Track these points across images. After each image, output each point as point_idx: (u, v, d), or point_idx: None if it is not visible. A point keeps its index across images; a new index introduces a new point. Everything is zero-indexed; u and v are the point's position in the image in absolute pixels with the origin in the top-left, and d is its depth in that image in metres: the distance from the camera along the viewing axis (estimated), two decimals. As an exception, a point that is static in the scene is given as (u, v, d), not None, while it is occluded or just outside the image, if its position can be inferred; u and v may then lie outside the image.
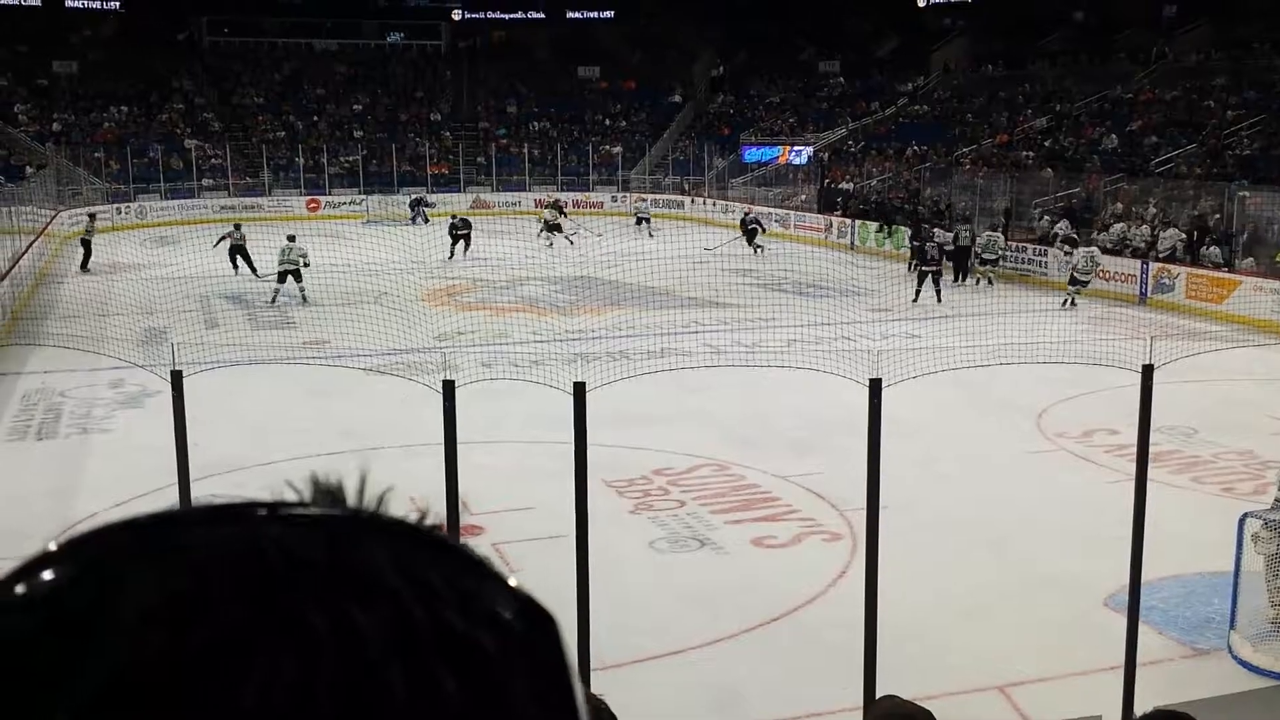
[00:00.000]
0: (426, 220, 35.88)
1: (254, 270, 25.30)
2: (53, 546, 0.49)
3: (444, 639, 0.44)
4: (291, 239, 23.50)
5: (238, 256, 25.84)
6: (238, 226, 26.85)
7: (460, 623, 0.45)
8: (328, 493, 0.52)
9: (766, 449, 12.59)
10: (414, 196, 38.90)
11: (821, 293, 23.45)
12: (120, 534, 0.48)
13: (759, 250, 30.14)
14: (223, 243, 25.81)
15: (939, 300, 22.09)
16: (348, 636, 0.43)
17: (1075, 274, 22.80)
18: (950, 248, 24.94)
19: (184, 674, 0.42)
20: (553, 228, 32.09)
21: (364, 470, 0.54)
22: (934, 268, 22.87)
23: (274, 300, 22.74)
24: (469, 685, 0.43)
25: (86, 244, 27.70)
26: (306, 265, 22.90)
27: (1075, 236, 24.63)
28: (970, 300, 19.49)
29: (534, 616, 0.47)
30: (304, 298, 22.65)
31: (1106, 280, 23.53)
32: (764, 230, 31.67)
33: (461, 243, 29.26)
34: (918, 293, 22.59)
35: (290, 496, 0.52)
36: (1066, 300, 22.20)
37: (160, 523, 0.48)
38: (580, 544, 5.74)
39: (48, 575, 0.47)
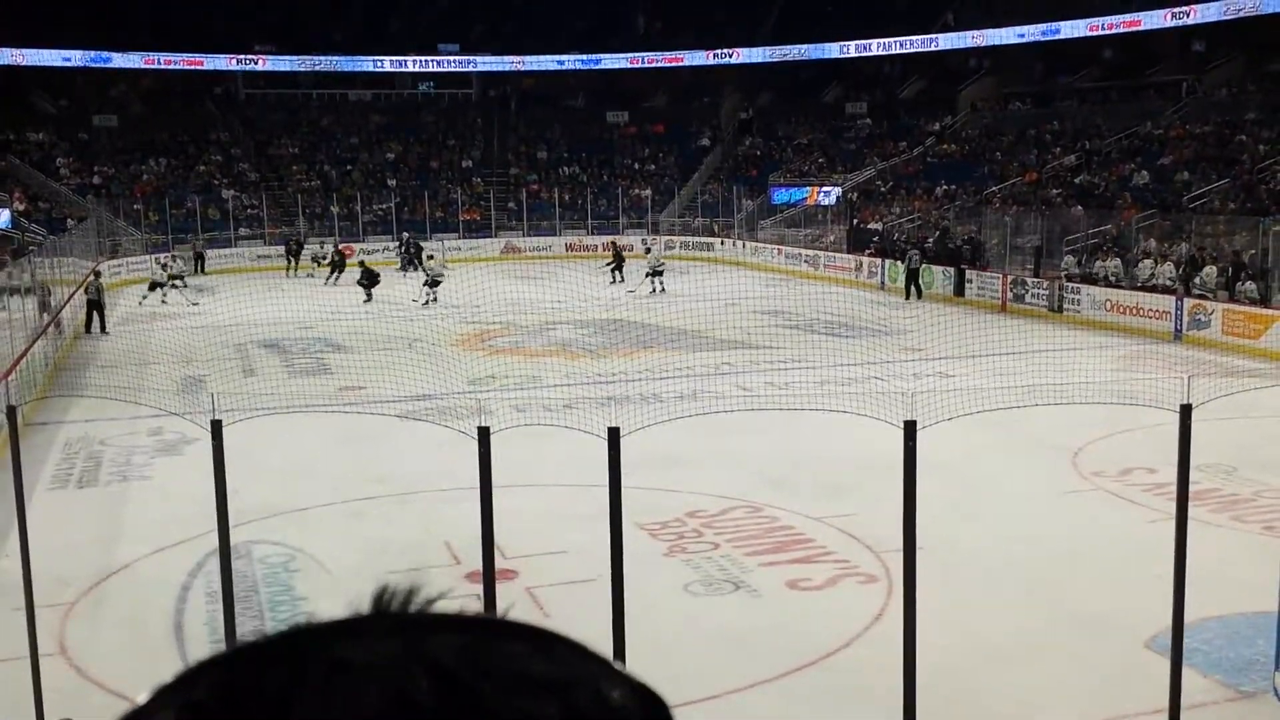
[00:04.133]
0: (417, 268, 35.95)
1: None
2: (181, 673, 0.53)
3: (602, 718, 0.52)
4: (430, 256, 30.88)
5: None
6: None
7: (602, 706, 0.53)
8: (396, 602, 0.59)
9: (800, 490, 12.55)
10: (405, 242, 38.78)
11: (852, 333, 23.41)
12: (265, 655, 0.53)
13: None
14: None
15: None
16: None
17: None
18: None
19: None
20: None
21: (415, 583, 0.59)
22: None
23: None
24: None
25: (97, 305, 25.91)
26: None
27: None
28: (1004, 339, 19.41)
29: (649, 697, 0.55)
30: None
31: (1140, 317, 23.38)
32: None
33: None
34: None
35: (363, 608, 0.57)
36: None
37: (302, 639, 0.53)
38: (616, 589, 5.75)
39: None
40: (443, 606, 0.59)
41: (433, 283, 29.43)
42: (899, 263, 31.08)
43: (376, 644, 0.52)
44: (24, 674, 7.08)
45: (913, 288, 29.66)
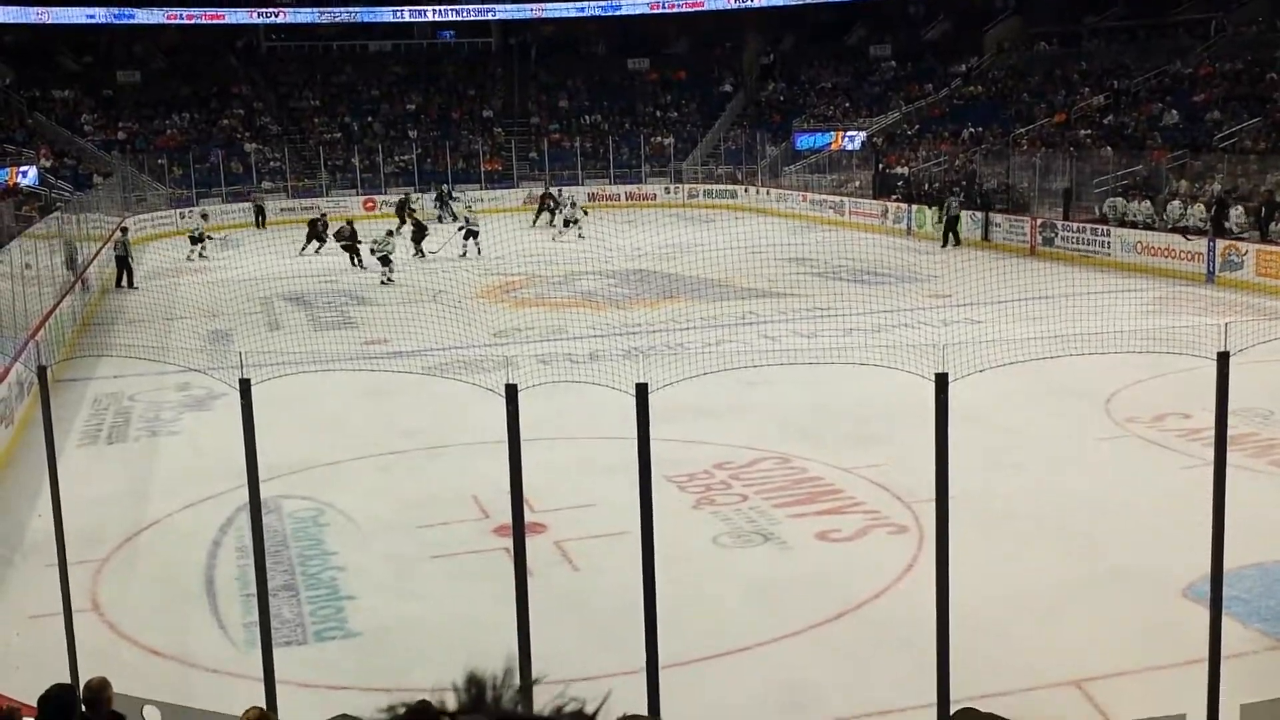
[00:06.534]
0: (455, 217, 35.24)
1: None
2: None
3: None
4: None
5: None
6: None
7: None
8: (483, 692, 0.57)
9: (828, 441, 12.47)
10: (439, 192, 38.90)
11: (879, 280, 23.22)
12: None
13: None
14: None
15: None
16: None
17: None
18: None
19: None
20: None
21: (509, 665, 0.57)
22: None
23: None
24: None
25: (122, 260, 25.99)
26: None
27: None
28: (1033, 283, 19.17)
29: None
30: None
31: (1171, 259, 23.07)
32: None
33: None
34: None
35: (450, 696, 0.58)
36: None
37: None
38: (646, 545, 5.70)
39: None
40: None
41: (470, 233, 29.12)
42: (936, 209, 30.56)
43: None
44: (58, 630, 7.12)
45: (950, 235, 28.97)
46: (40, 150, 38.91)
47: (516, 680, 0.56)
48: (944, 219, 29.37)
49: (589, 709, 0.55)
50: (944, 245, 28.68)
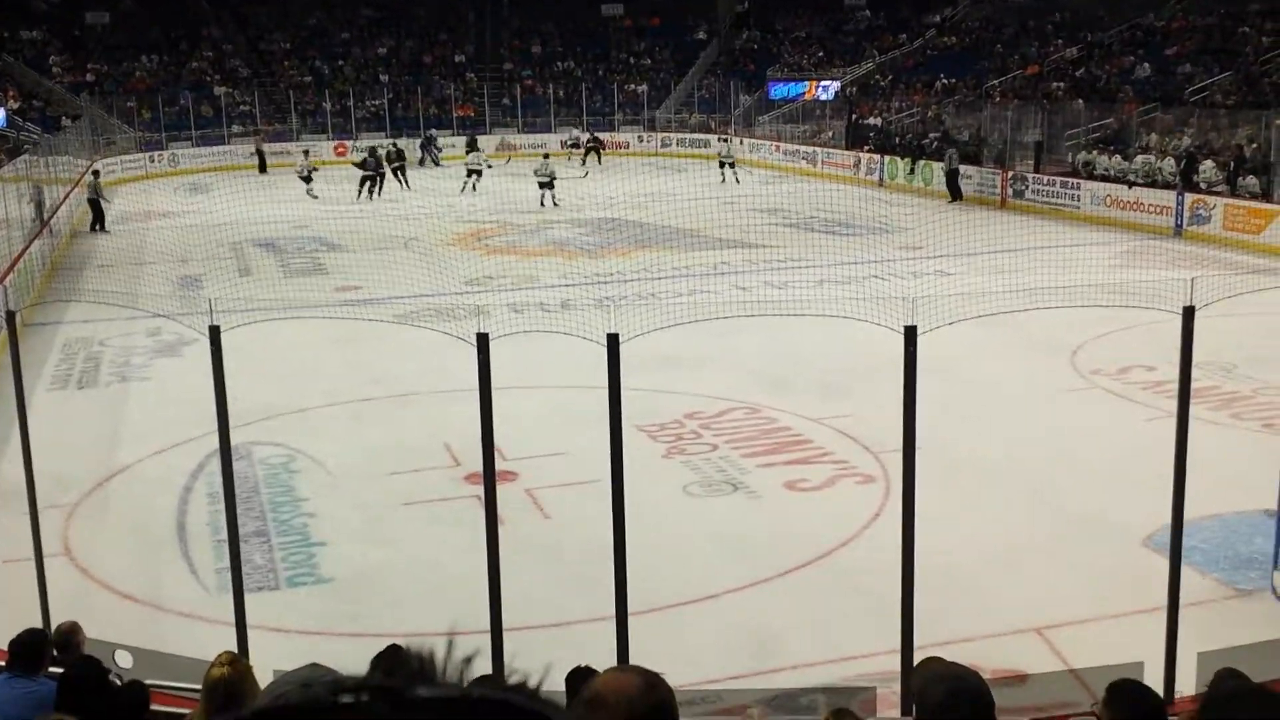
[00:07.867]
0: (437, 163, 37.73)
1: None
2: None
3: None
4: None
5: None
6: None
7: None
8: (424, 666, 0.60)
9: (797, 391, 12.56)
10: (425, 136, 39.86)
11: (850, 231, 23.26)
12: None
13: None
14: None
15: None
16: None
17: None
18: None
19: None
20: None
21: (451, 641, 0.60)
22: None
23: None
24: None
25: (94, 204, 25.82)
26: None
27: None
28: (1003, 236, 19.29)
29: None
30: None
31: (1140, 212, 23.20)
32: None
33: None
34: None
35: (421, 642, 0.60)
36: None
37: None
38: (616, 493, 5.75)
39: None
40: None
41: (473, 171, 30.64)
42: (909, 160, 30.40)
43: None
44: (29, 575, 7.13)
45: (954, 189, 27.81)
46: (8, 92, 38.29)
47: (459, 654, 0.58)
48: (945, 173, 28.29)
49: (531, 682, 0.58)
50: (952, 200, 27.44)
